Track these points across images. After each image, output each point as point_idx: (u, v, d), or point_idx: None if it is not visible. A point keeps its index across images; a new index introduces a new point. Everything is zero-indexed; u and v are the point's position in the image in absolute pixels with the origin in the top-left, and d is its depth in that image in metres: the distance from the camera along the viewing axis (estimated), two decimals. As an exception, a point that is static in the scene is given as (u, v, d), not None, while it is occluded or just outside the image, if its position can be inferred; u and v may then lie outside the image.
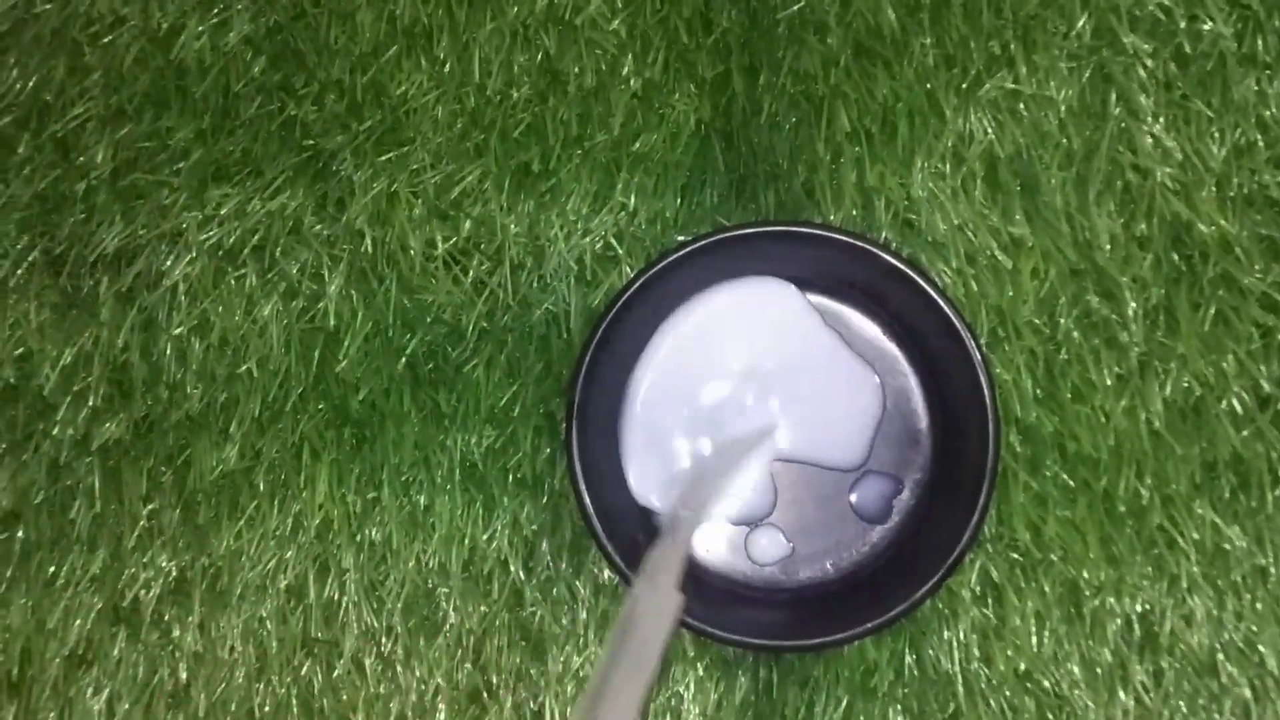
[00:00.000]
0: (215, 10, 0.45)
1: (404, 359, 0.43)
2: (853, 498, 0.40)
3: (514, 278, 0.43)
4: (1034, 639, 0.40)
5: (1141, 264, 0.41)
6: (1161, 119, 0.42)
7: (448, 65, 0.44)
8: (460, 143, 0.44)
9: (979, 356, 0.38)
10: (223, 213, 0.44)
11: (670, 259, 0.39)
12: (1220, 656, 0.40)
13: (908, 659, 0.40)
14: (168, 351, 0.44)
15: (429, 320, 0.43)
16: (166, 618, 0.42)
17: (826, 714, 0.40)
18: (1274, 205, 0.41)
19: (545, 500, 0.42)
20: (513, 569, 0.42)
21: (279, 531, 0.42)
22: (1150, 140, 0.42)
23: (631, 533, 0.40)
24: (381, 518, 0.42)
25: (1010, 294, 0.42)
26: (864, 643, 0.40)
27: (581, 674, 0.41)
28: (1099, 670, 0.40)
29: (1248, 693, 0.40)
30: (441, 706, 0.41)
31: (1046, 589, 0.40)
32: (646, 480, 0.40)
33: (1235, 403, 0.41)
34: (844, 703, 0.40)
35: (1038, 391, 0.41)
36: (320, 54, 0.45)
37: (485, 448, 0.42)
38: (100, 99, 0.45)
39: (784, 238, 0.40)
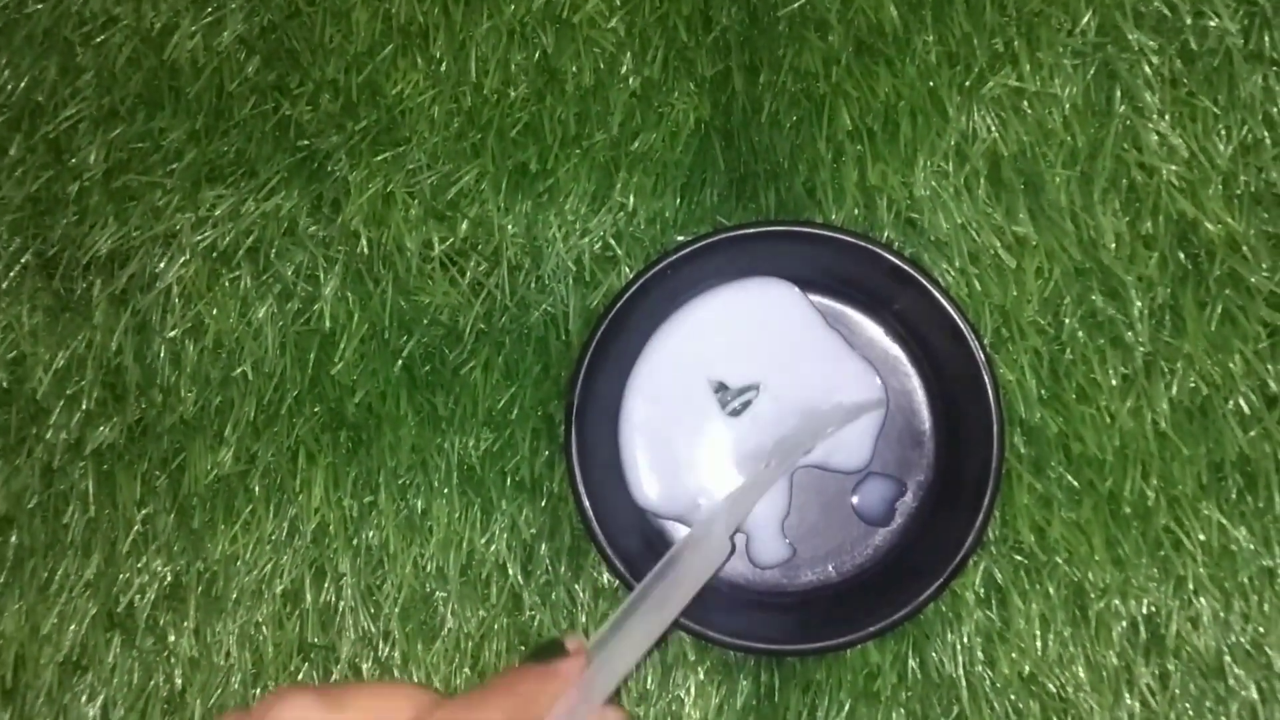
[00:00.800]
0: (208, 9, 0.45)
1: (401, 361, 0.43)
2: (855, 500, 0.40)
3: (512, 279, 0.43)
4: (1039, 642, 0.40)
5: (1147, 263, 0.41)
6: (1167, 116, 0.41)
7: (444, 64, 0.44)
8: (457, 142, 0.44)
9: (982, 357, 0.38)
10: (217, 214, 0.44)
11: (670, 260, 0.38)
12: (1227, 658, 0.39)
13: (911, 662, 0.40)
14: (161, 354, 0.43)
15: (426, 322, 0.43)
16: (161, 623, 0.42)
17: (829, 718, 0.40)
18: (1281, 203, 0.41)
19: (544, 503, 0.42)
20: (511, 573, 0.41)
21: (275, 536, 0.42)
22: (1156, 138, 0.41)
23: (631, 536, 0.39)
24: (378, 521, 0.42)
25: (1014, 293, 0.41)
26: (866, 646, 0.40)
27: (581, 679, 0.41)
28: (1104, 673, 0.39)
29: (1255, 694, 0.39)
30: (440, 712, 0.41)
31: (1051, 591, 0.40)
32: (646, 483, 0.40)
33: (1242, 402, 0.40)
34: (846, 706, 0.40)
35: (1042, 392, 0.41)
36: (315, 53, 0.45)
37: (483, 450, 0.42)
38: (93, 99, 0.45)
39: (785, 238, 0.39)
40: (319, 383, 0.43)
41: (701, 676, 0.41)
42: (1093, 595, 0.40)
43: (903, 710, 0.40)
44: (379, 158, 0.44)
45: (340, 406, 0.42)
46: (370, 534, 0.42)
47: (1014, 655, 0.40)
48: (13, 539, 0.43)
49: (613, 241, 0.43)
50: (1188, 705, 0.39)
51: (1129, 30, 0.42)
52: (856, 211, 0.42)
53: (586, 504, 0.38)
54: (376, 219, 0.43)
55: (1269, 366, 0.40)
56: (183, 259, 0.44)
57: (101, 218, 0.44)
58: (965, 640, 0.40)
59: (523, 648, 0.41)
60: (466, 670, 0.41)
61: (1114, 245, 0.41)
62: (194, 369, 0.43)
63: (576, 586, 0.41)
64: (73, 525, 0.43)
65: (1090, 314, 0.41)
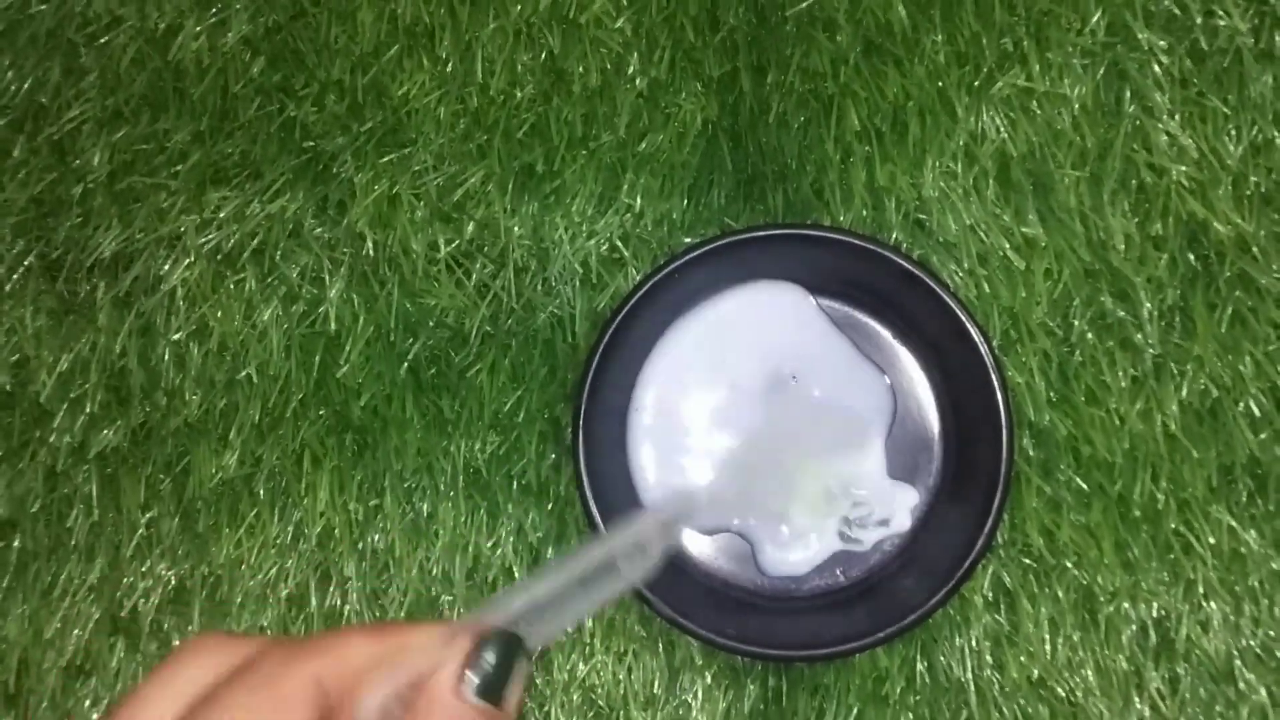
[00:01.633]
0: (213, 10, 0.45)
1: (406, 364, 0.42)
2: (864, 503, 0.40)
3: (518, 281, 0.42)
4: (1047, 646, 0.39)
5: (1157, 264, 0.41)
6: (1177, 116, 0.41)
7: (450, 65, 0.44)
8: (463, 144, 0.43)
9: (991, 359, 0.37)
10: (221, 216, 0.44)
11: (678, 262, 0.38)
12: (1238, 662, 0.39)
13: (919, 666, 0.40)
14: (166, 357, 0.43)
15: (431, 324, 0.43)
16: (166, 627, 0.42)
17: (837, 723, 0.39)
18: (1291, 204, 0.41)
19: (550, 507, 0.41)
20: (518, 577, 0.41)
21: (280, 540, 0.42)
22: (1165, 138, 0.41)
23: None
24: (384, 525, 0.42)
25: (1023, 295, 0.41)
26: (875, 650, 0.39)
27: (588, 682, 0.40)
28: (1114, 677, 0.39)
29: (1266, 699, 0.39)
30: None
31: (1060, 595, 0.40)
32: (654, 487, 0.40)
33: (1253, 405, 0.40)
34: (855, 711, 0.40)
35: (1051, 394, 0.40)
36: (320, 54, 0.44)
37: (489, 454, 0.42)
38: (97, 101, 0.45)
39: (793, 240, 0.39)
40: (324, 385, 0.42)
41: (709, 681, 0.40)
42: (1102, 599, 0.39)
43: (911, 714, 0.40)
44: (385, 159, 0.43)
45: (345, 409, 0.42)
46: (376, 538, 0.42)
47: (1023, 659, 0.39)
48: (16, 543, 0.43)
49: (620, 243, 0.42)
50: (1198, 710, 0.39)
51: (1139, 30, 0.41)
52: (865, 213, 0.42)
53: (594, 508, 0.37)
54: (382, 221, 0.43)
55: (1280, 369, 0.40)
56: (187, 261, 0.43)
57: (105, 220, 0.44)
58: (974, 644, 0.40)
59: (529, 652, 0.41)
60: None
61: (1123, 246, 0.41)
62: (198, 372, 0.43)
63: (583, 590, 0.41)
64: (76, 529, 0.42)
65: (1099, 316, 0.41)
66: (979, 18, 0.42)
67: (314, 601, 0.41)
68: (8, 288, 0.44)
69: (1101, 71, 0.42)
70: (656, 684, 0.40)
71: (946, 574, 0.37)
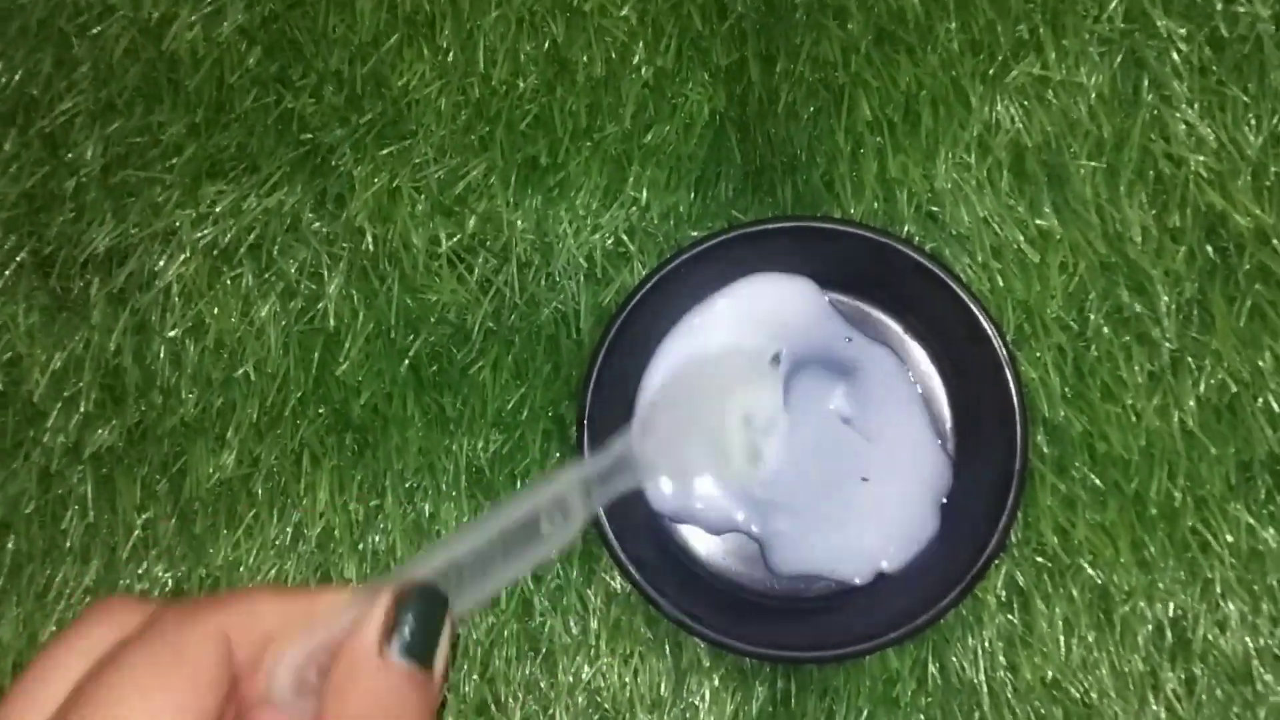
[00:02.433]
0: (207, -1, 0.44)
1: (407, 361, 0.42)
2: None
3: (521, 276, 0.42)
4: (1062, 646, 0.39)
5: (1174, 257, 0.40)
6: (1196, 105, 0.40)
7: (451, 55, 0.43)
8: (464, 135, 0.42)
9: (1005, 354, 0.36)
10: (217, 210, 0.43)
11: (685, 256, 0.37)
12: (1255, 663, 0.38)
13: (931, 667, 0.39)
14: (161, 355, 0.42)
15: (433, 321, 0.42)
16: (164, 630, 0.41)
17: (847, 725, 0.39)
18: (1312, 195, 0.40)
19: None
20: (521, 578, 0.40)
21: (279, 541, 0.41)
22: (1184, 128, 0.40)
23: (644, 539, 0.38)
24: (385, 526, 0.41)
25: (1038, 289, 0.40)
26: (885, 651, 0.39)
27: (593, 685, 0.40)
28: (1130, 678, 0.39)
29: (1284, 701, 0.38)
30: (449, 719, 0.40)
31: (1075, 594, 0.39)
32: (661, 485, 0.39)
33: (1272, 400, 0.39)
34: (865, 713, 0.39)
35: (1066, 390, 0.40)
36: (318, 44, 0.43)
37: (492, 452, 0.41)
38: (89, 93, 0.44)
39: (803, 233, 0.38)
40: (323, 383, 0.42)
41: (716, 683, 0.40)
42: (1118, 598, 0.39)
43: (922, 716, 0.39)
44: (384, 151, 0.42)
45: (345, 408, 0.41)
46: (377, 538, 0.41)
47: (1037, 660, 0.39)
48: (10, 545, 0.42)
49: (625, 237, 0.42)
50: (1215, 711, 0.38)
51: (1157, 17, 0.41)
52: (876, 205, 0.41)
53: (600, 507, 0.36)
54: (382, 214, 0.42)
55: (1300, 364, 0.39)
56: (183, 257, 0.43)
57: (99, 214, 0.43)
58: (986, 645, 0.39)
59: (532, 654, 0.40)
60: (475, 678, 0.40)
61: (1140, 239, 0.40)
62: (195, 370, 0.42)
63: (588, 591, 0.40)
64: (71, 530, 0.42)
65: (1116, 309, 0.40)
66: (994, 5, 0.41)
67: (314, 603, 0.41)
68: (-1, 284, 0.43)
69: (1119, 59, 0.41)
70: (663, 686, 0.40)
71: (959, 573, 0.36)
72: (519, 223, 0.42)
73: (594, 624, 0.40)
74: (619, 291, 0.41)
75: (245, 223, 0.43)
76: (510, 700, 0.40)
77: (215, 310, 0.42)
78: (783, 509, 0.38)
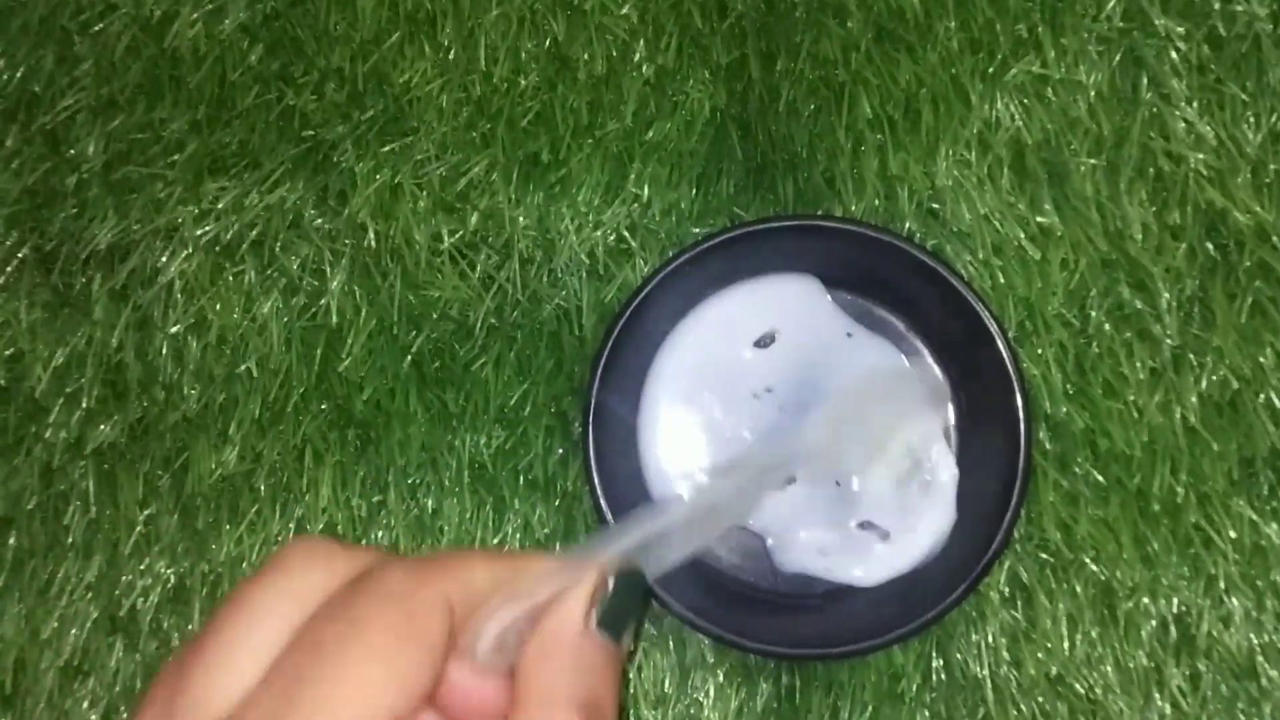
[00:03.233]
0: (210, -4, 0.44)
1: (409, 357, 0.42)
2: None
3: (523, 272, 0.42)
4: (1066, 642, 0.39)
5: (1175, 254, 0.40)
6: (1195, 103, 0.40)
7: (452, 52, 0.43)
8: (466, 132, 0.42)
9: (1007, 351, 0.37)
10: (219, 207, 0.43)
11: (689, 254, 0.37)
12: (1260, 658, 0.38)
13: (935, 663, 0.39)
14: (163, 351, 0.42)
15: (435, 317, 0.42)
16: (165, 626, 0.41)
17: (850, 721, 0.39)
18: (1311, 192, 0.40)
19: (558, 503, 0.41)
20: (525, 574, 0.40)
21: (281, 537, 0.41)
22: (1183, 125, 0.40)
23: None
24: (388, 522, 0.41)
25: (1039, 286, 0.40)
26: (890, 647, 0.39)
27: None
28: (1134, 674, 0.39)
29: (1287, 696, 0.38)
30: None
31: (1078, 590, 0.39)
32: (665, 483, 0.39)
33: (1274, 396, 0.39)
34: (870, 709, 0.39)
35: (1068, 387, 0.40)
36: (319, 41, 0.44)
37: (495, 448, 0.41)
38: (91, 89, 0.44)
39: (804, 231, 0.38)
40: (326, 379, 0.42)
41: (720, 679, 0.40)
42: (1121, 594, 0.39)
43: (927, 712, 0.39)
44: (386, 148, 0.43)
45: (348, 404, 0.41)
46: (379, 534, 0.41)
47: (1040, 656, 0.39)
48: (12, 540, 0.42)
49: (627, 234, 0.42)
50: (1220, 707, 0.38)
51: (1155, 15, 0.41)
52: (877, 202, 0.41)
53: (603, 503, 0.37)
54: (384, 211, 0.42)
55: (1301, 359, 0.39)
56: (185, 253, 0.43)
57: (101, 211, 0.43)
58: (990, 640, 0.39)
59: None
60: (479, 674, 0.40)
61: (1141, 236, 0.40)
62: (197, 366, 0.42)
63: (591, 587, 0.40)
64: (73, 526, 0.42)
65: (1117, 306, 0.40)
66: (993, 3, 0.41)
67: (316, 600, 0.41)
68: (1, 280, 0.43)
69: (1118, 58, 0.41)
70: (667, 682, 0.40)
71: (964, 570, 0.36)
72: (521, 219, 0.42)
73: (596, 620, 0.40)
74: (621, 288, 0.41)
75: (247, 219, 0.43)
76: (512, 697, 0.40)
77: (217, 306, 0.42)
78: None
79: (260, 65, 0.44)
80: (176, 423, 0.42)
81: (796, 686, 0.39)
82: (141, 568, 0.41)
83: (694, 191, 0.42)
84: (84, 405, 0.42)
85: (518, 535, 0.41)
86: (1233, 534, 0.39)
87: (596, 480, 0.37)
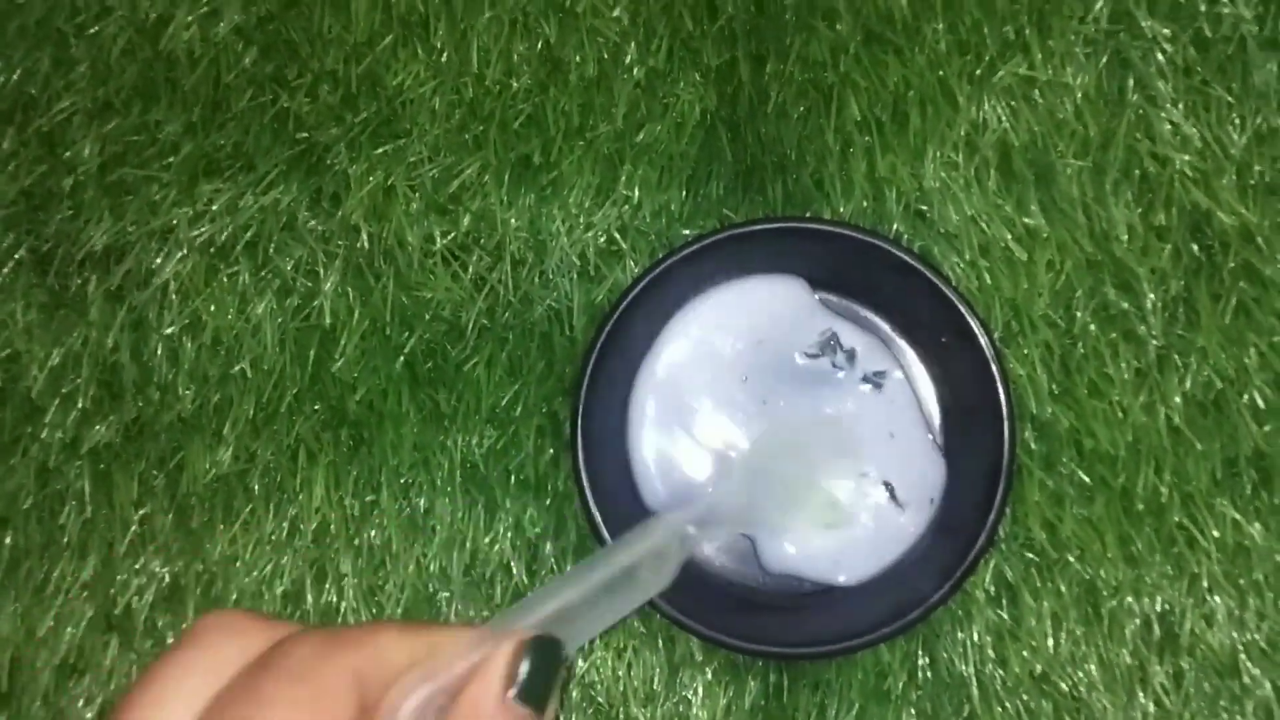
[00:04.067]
0: (204, -1, 0.44)
1: (402, 358, 0.42)
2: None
3: (515, 273, 0.42)
4: (1050, 640, 0.39)
5: (1160, 255, 0.40)
6: (1181, 105, 0.41)
7: (445, 55, 0.43)
8: (458, 135, 0.43)
9: (993, 351, 0.37)
10: (214, 208, 0.43)
11: (677, 256, 0.37)
12: (1242, 656, 0.39)
13: (921, 661, 0.39)
14: (159, 352, 0.43)
15: (428, 318, 0.42)
16: (160, 625, 0.41)
17: (838, 718, 0.39)
18: (1296, 194, 0.40)
19: (549, 502, 0.41)
20: (516, 573, 0.41)
21: (275, 536, 0.41)
22: (1169, 127, 0.41)
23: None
24: (380, 521, 0.41)
25: (1025, 287, 0.40)
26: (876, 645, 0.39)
27: (587, 678, 0.40)
28: (1118, 672, 0.39)
29: (1270, 693, 0.39)
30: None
31: (1063, 589, 0.39)
32: (654, 482, 0.39)
33: (1257, 397, 0.40)
34: (856, 707, 0.39)
35: (1053, 387, 0.40)
36: (313, 44, 0.44)
37: (486, 449, 0.41)
38: (87, 92, 0.44)
39: (792, 233, 0.38)
40: (319, 380, 0.42)
41: (709, 677, 0.40)
42: (1105, 593, 0.39)
43: (913, 710, 0.39)
44: (379, 150, 0.43)
45: (341, 404, 0.42)
46: (372, 534, 0.41)
47: (1025, 654, 0.39)
48: (8, 540, 0.42)
49: (617, 235, 0.42)
50: (1202, 704, 0.39)
51: (1142, 17, 0.41)
52: (865, 204, 0.41)
53: (592, 503, 0.37)
54: (377, 213, 0.42)
55: (1284, 360, 0.40)
56: (180, 254, 0.43)
57: (96, 213, 0.43)
58: (976, 639, 0.39)
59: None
60: (470, 671, 0.40)
61: (1126, 237, 0.40)
62: (192, 366, 0.42)
63: (582, 586, 0.41)
64: (69, 526, 0.42)
65: (1102, 307, 0.40)
66: (980, 6, 0.42)
67: (310, 598, 0.41)
68: (-2, 282, 0.44)
69: (1104, 60, 0.41)
70: (656, 680, 0.40)
71: (949, 569, 0.36)
72: (512, 221, 0.42)
73: (587, 618, 0.40)
74: (612, 289, 0.42)
75: (242, 221, 0.43)
76: (504, 694, 0.40)
77: (212, 307, 0.43)
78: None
79: (255, 68, 0.44)
80: (171, 423, 0.42)
81: (784, 684, 0.40)
82: (136, 567, 0.42)
83: (684, 193, 0.42)
84: (80, 405, 0.42)
85: (509, 535, 0.41)
86: (1216, 533, 0.39)
87: (585, 480, 0.37)
